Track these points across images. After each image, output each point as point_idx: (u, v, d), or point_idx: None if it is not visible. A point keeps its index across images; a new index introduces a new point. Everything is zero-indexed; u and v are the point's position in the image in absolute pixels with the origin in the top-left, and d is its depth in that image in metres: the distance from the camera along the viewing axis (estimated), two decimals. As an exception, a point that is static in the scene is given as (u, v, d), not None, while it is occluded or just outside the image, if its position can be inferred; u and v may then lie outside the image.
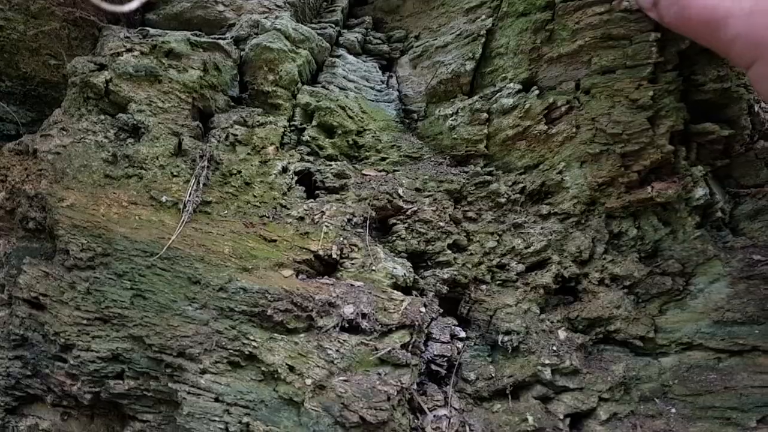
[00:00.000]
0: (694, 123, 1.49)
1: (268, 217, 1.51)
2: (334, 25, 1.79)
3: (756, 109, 1.50)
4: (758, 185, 1.52)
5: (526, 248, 1.58)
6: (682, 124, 1.46)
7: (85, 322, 1.40)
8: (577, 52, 1.50)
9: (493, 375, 1.52)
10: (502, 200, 1.62)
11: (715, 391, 1.39)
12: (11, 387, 1.47)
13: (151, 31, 1.64)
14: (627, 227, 1.56)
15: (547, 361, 1.46)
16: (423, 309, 1.44)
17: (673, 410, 1.43)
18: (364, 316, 1.40)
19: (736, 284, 1.44)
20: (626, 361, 1.51)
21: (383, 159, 1.73)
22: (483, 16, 1.66)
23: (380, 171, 1.71)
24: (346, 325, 1.40)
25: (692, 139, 1.50)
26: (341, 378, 1.36)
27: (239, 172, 1.56)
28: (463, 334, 1.59)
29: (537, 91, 1.59)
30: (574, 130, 1.55)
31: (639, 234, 1.55)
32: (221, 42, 1.63)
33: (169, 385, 1.41)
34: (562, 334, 1.51)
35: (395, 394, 1.36)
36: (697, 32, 0.52)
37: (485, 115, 1.65)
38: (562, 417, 1.45)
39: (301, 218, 1.54)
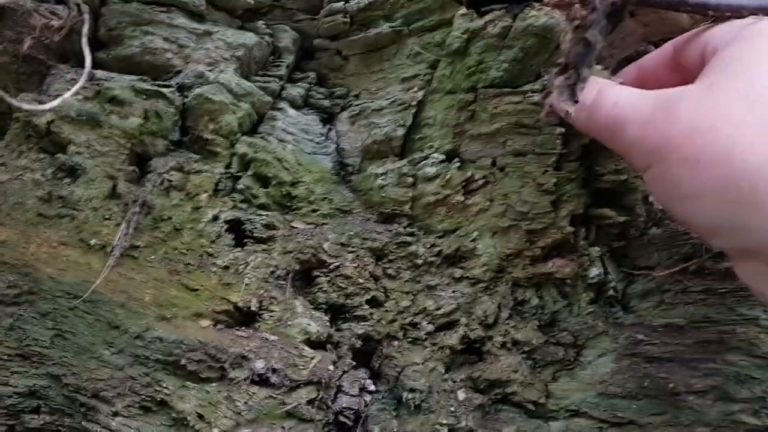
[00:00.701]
0: (594, 208, 1.62)
1: (194, 265, 1.59)
2: (278, 80, 1.87)
3: (650, 199, 1.64)
4: (650, 267, 1.66)
5: (437, 309, 1.69)
6: (583, 208, 1.59)
7: (5, 357, 1.46)
8: (495, 133, 1.62)
9: (395, 430, 1.63)
10: (420, 261, 1.73)
11: (592, 459, 1.52)
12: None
13: (98, 73, 1.71)
14: (530, 296, 1.68)
15: (444, 421, 1.57)
16: (331, 367, 1.54)
17: (555, 473, 1.55)
18: (274, 371, 1.49)
19: (620, 360, 1.58)
20: (519, 423, 1.63)
21: (314, 211, 1.82)
22: (415, 88, 1.77)
23: (309, 224, 1.80)
24: (257, 378, 1.49)
25: (592, 222, 1.63)
26: (246, 430, 1.45)
27: (170, 217, 1.64)
28: (372, 387, 1.69)
29: (458, 163, 1.70)
30: (488, 203, 1.67)
31: (540, 303, 1.68)
32: (165, 90, 1.70)
33: (83, 423, 1.48)
34: (461, 395, 1.62)
35: (297, 445, 1.45)
36: (602, 136, 0.58)
37: (411, 179, 1.76)
38: (454, 463, 1.57)
39: (226, 267, 1.62)
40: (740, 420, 1.36)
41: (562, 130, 1.52)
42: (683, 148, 0.29)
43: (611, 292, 1.61)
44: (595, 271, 1.57)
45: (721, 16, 0.72)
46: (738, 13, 0.72)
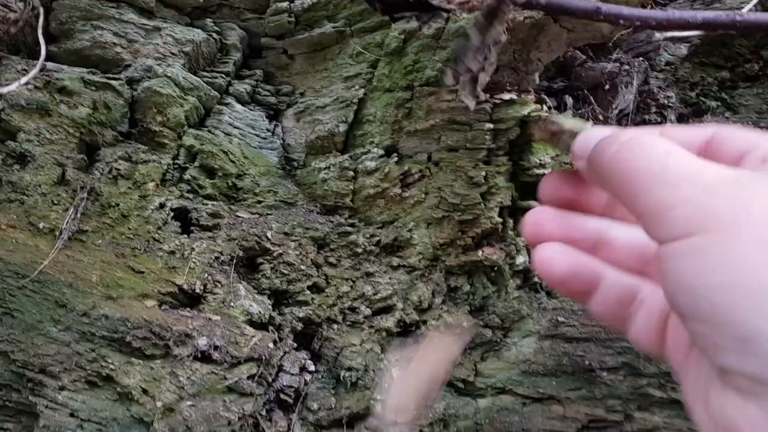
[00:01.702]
0: (522, 199, 1.79)
1: (140, 250, 1.70)
2: (225, 76, 2.00)
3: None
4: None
5: (374, 295, 1.83)
6: (510, 200, 1.76)
7: (-48, 334, 1.54)
8: (430, 129, 1.78)
9: (333, 406, 1.76)
10: (360, 250, 1.87)
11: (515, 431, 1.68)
12: None
13: (49, 65, 1.81)
14: (462, 283, 1.84)
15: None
16: (272, 345, 1.67)
17: (480, 445, 1.71)
18: (216, 348, 1.61)
19: (542, 341, 1.74)
20: (449, 399, 1.78)
21: (259, 202, 1.95)
22: (357, 86, 1.92)
23: (254, 213, 1.93)
24: (200, 355, 1.61)
25: (519, 213, 1.80)
26: (189, 403, 1.56)
27: (118, 204, 1.75)
28: (312, 368, 1.82)
29: (396, 158, 1.85)
30: (423, 195, 1.82)
31: (471, 290, 1.84)
32: (114, 83, 1.81)
33: (30, 398, 1.57)
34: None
35: (237, 420, 1.57)
36: (629, 182, 0.20)
37: (352, 173, 1.90)
38: (387, 446, 1.71)
39: (172, 252, 1.73)
40: (648, 393, 1.54)
41: (491, 125, 1.69)
42: (761, 226, 0.25)
43: (536, 279, 1.78)
44: (521, 259, 1.74)
45: (631, 25, 0.86)
46: (646, 23, 0.85)
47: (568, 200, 0.47)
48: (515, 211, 1.80)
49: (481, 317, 1.81)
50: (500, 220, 1.75)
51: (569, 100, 1.92)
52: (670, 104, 1.86)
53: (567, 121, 0.46)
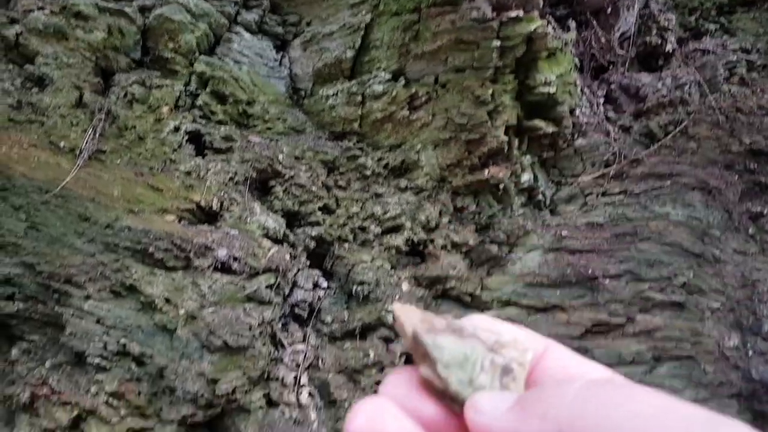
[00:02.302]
0: (527, 119, 1.87)
1: (157, 169, 1.78)
2: (233, 4, 2.06)
3: (577, 112, 1.90)
4: (575, 175, 1.93)
5: (384, 214, 1.92)
6: (516, 119, 1.84)
7: (-20, 247, 1.63)
8: (437, 51, 1.85)
9: (346, 319, 1.86)
10: (368, 173, 1.95)
11: (520, 339, 1.78)
12: None
13: (62, -9, 1.86)
14: (468, 203, 1.93)
15: (390, 308, 1.80)
16: (288, 257, 1.76)
17: (488, 353, 1.80)
18: (235, 259, 1.69)
19: (546, 254, 1.84)
20: (456, 312, 1.87)
21: (269, 128, 2.02)
22: (364, 12, 1.98)
23: (265, 138, 2.00)
24: (219, 266, 1.69)
25: (525, 133, 1.88)
26: (210, 310, 1.66)
27: (134, 127, 1.82)
28: (325, 284, 1.91)
29: (403, 81, 1.92)
30: (430, 117, 1.90)
31: (477, 209, 1.92)
32: (127, 9, 1.87)
33: (56, 309, 1.66)
34: (405, 286, 1.86)
35: (257, 325, 1.67)
36: None
37: (360, 98, 1.97)
38: (399, 354, 1.80)
39: (188, 173, 1.81)
40: (649, 296, 1.64)
41: (498, 43, 1.76)
42: None
43: (540, 197, 1.87)
44: (526, 177, 1.82)
45: None
46: None
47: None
48: (521, 132, 1.88)
49: (487, 234, 1.90)
50: (506, 138, 1.82)
51: (572, 24, 1.99)
52: (669, 27, 1.93)
53: (451, 375, 0.36)
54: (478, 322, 0.41)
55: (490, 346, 0.37)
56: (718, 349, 1.61)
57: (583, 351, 1.71)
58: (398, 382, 0.39)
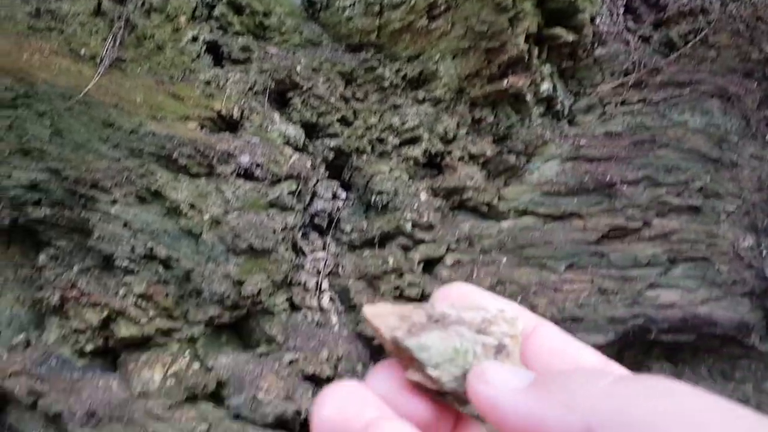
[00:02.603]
0: (547, 28, 1.87)
1: (178, 78, 1.79)
2: None
3: (597, 21, 1.89)
4: (594, 85, 1.94)
5: (401, 126, 1.94)
6: (536, 27, 1.83)
7: (7, 153, 1.66)
8: (456, -44, 1.83)
9: (365, 228, 1.90)
10: (386, 84, 1.96)
11: (537, 245, 1.83)
12: (-66, 210, 1.71)
13: None
14: (486, 114, 1.94)
15: (409, 216, 1.84)
16: (309, 164, 1.79)
17: (504, 259, 1.86)
18: (258, 165, 1.73)
19: (563, 163, 1.87)
20: (473, 222, 1.92)
21: (286, 41, 2.02)
22: None
23: (282, 50, 2.00)
24: (242, 172, 1.73)
25: (544, 42, 1.88)
26: (234, 215, 1.70)
27: (153, 36, 1.82)
28: (343, 195, 1.95)
29: (423, -10, 1.91)
30: (449, 26, 1.90)
31: (495, 120, 1.94)
32: None
33: (82, 214, 1.70)
34: (423, 195, 1.90)
35: (280, 230, 1.71)
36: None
37: (377, 8, 1.96)
38: (417, 262, 1.86)
39: (208, 82, 1.82)
40: (666, 201, 1.67)
41: (517, -54, 1.74)
42: None
43: (558, 107, 1.88)
44: (545, 86, 1.84)
45: None
46: None
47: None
48: (541, 41, 1.88)
49: (505, 145, 1.92)
50: (526, 47, 1.83)
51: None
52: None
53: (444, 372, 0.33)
54: (458, 295, 0.38)
55: (477, 327, 0.34)
56: (732, 250, 1.66)
57: (600, 256, 1.77)
58: (382, 377, 0.35)
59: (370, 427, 0.30)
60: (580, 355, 0.35)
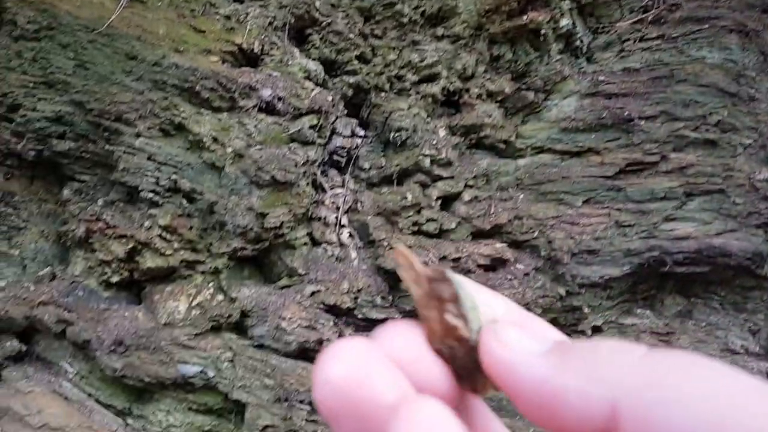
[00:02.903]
0: (568, -39, 1.87)
1: (198, 12, 1.81)
2: None
3: (616, -43, 1.90)
4: (613, 22, 1.95)
5: (420, 62, 1.95)
6: (557, -39, 1.84)
7: (31, 85, 1.68)
8: None
9: (383, 165, 1.94)
10: (405, 20, 1.97)
11: (555, 181, 1.86)
12: (-41, 143, 1.75)
13: None
14: (505, 51, 1.96)
15: (427, 152, 1.87)
16: (330, 98, 1.81)
17: (522, 196, 1.89)
18: (280, 99, 1.75)
19: (582, 100, 1.89)
20: (490, 159, 1.95)
21: (303, -22, 2.02)
22: None
23: (300, -13, 2.01)
24: (264, 106, 1.75)
25: (565, -24, 1.89)
26: (257, 148, 1.73)
27: (172, -30, 1.83)
28: (362, 133, 1.98)
29: (443, -76, 1.91)
30: (469, -39, 1.90)
31: (514, 58, 1.96)
32: None
33: (106, 147, 1.73)
34: (442, 132, 1.93)
35: (302, 163, 1.75)
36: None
37: (397, -57, 1.96)
38: (435, 198, 1.89)
39: (228, 17, 1.84)
40: (684, 135, 1.70)
41: None
42: None
43: (578, 43, 1.90)
44: (565, 22, 1.85)
45: None
46: None
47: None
48: (561, -25, 1.88)
49: (523, 82, 1.94)
50: (545, -18, 1.83)
51: None
52: None
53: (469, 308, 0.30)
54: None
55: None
56: (748, 182, 1.69)
57: (617, 190, 1.80)
58: (399, 339, 0.30)
59: (402, 409, 0.25)
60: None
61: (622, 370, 0.24)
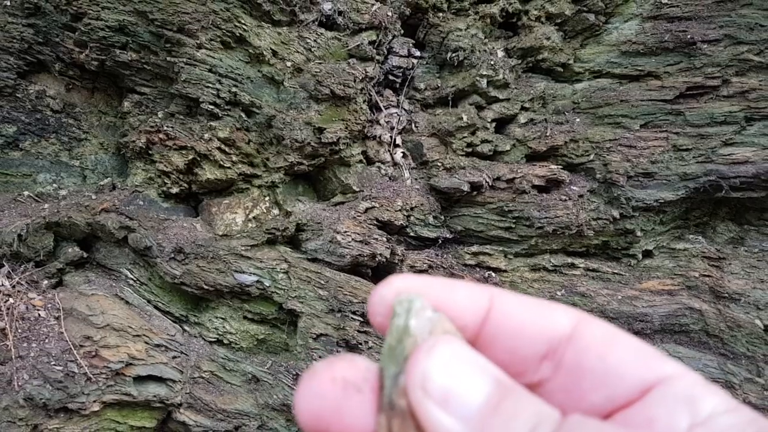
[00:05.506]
0: None
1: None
2: None
3: None
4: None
5: (479, -17, 2.01)
6: None
7: (96, -7, 1.77)
8: None
9: (439, 86, 2.02)
10: (464, -61, 2.02)
11: (613, 104, 1.93)
12: (24, 51, 1.85)
13: None
14: (566, -28, 2.01)
15: (484, 73, 1.95)
16: (390, 13, 1.89)
17: (578, 119, 1.97)
18: (340, 13, 1.83)
19: (644, 23, 1.94)
20: (547, 83, 2.02)
21: None
22: None
23: None
24: (324, 20, 1.84)
25: None
26: (316, 63, 1.82)
27: None
28: (418, 53, 2.05)
29: None
30: None
31: (575, -21, 2.01)
32: None
33: (168, 59, 1.83)
34: (500, 53, 2.00)
35: (360, 79, 1.83)
36: None
37: None
38: (490, 120, 1.98)
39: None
40: (747, 58, 1.76)
41: None
42: None
43: (642, -36, 1.93)
44: (628, -58, 1.88)
45: None
46: None
47: None
48: None
49: (584, 4, 1.99)
50: None
51: None
52: None
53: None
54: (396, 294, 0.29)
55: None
56: (812, 106, 1.76)
57: (676, 114, 1.87)
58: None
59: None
60: (545, 318, 0.30)
61: None
